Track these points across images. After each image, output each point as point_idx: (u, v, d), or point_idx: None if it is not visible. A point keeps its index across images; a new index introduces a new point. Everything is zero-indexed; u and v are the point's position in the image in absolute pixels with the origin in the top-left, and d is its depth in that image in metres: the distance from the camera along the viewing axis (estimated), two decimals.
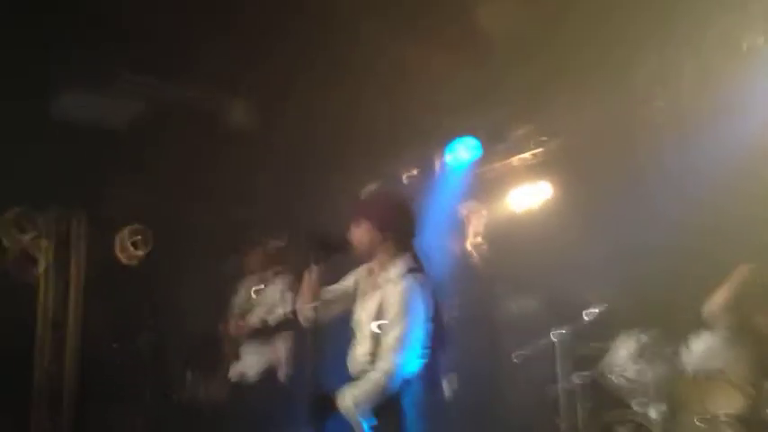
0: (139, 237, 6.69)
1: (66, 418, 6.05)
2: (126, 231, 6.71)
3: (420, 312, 3.34)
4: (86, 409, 6.20)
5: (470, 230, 5.70)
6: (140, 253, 6.65)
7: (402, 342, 3.27)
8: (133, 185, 6.83)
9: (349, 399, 3.25)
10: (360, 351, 3.40)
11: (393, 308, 3.31)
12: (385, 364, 3.25)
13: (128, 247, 6.64)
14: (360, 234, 3.49)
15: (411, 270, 3.40)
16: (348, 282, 3.64)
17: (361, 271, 3.61)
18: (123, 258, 6.60)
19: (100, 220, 6.74)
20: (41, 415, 6.02)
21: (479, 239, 5.64)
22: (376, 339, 3.35)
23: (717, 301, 4.30)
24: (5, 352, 5.78)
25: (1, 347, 5.73)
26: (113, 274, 6.63)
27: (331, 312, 3.58)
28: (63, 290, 6.41)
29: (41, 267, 6.27)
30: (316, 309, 3.41)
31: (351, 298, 3.57)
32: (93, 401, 6.23)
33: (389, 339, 3.28)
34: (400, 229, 3.51)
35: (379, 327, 3.33)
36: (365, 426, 3.25)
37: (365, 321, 3.42)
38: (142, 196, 6.87)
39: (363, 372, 3.34)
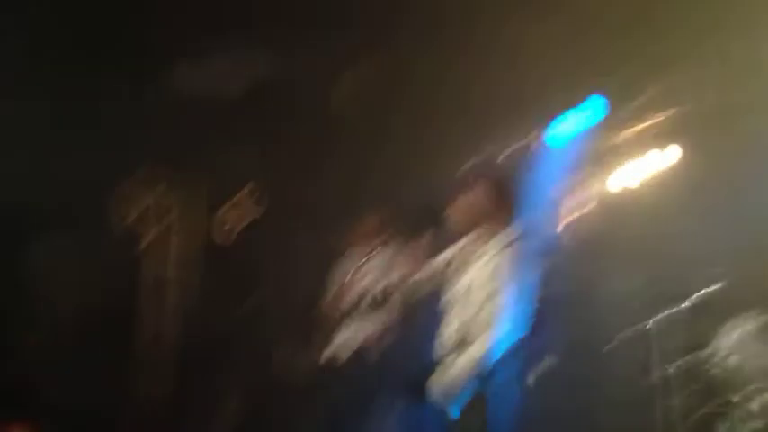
0: (244, 208, 6.82)
1: (166, 386, 6.32)
2: (232, 202, 6.86)
3: (516, 290, 3.33)
4: (186, 377, 6.46)
5: (573, 206, 5.46)
6: (245, 224, 6.78)
7: (496, 321, 3.18)
8: (242, 157, 6.95)
9: (440, 384, 3.21)
10: (452, 328, 3.35)
11: (490, 285, 3.28)
12: (477, 345, 3.18)
13: (233, 218, 6.79)
14: (465, 208, 3.43)
15: (510, 246, 3.28)
16: (444, 258, 3.60)
17: (457, 247, 3.55)
18: (228, 229, 6.76)
19: (207, 190, 6.94)
20: (143, 382, 6.31)
21: (582, 213, 5.43)
22: (469, 316, 3.23)
23: None
24: (111, 317, 6.08)
25: (106, 313, 6.02)
26: (218, 245, 6.81)
27: (429, 288, 3.54)
28: (168, 258, 6.68)
29: (149, 235, 6.54)
30: (416, 283, 3.39)
31: (445, 275, 3.53)
32: (192, 370, 6.47)
33: (484, 317, 3.20)
34: (504, 206, 3.42)
35: (474, 303, 3.25)
36: (454, 412, 3.20)
37: (461, 298, 3.36)
38: (250, 168, 6.98)
39: (454, 349, 3.29)
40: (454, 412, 3.23)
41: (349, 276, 5.75)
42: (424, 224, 3.42)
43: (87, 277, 6.09)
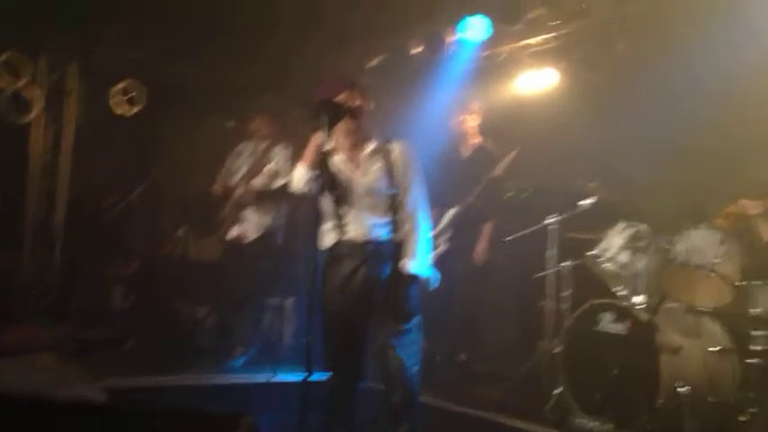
0: (134, 92, 6.54)
1: (56, 266, 6.09)
2: (121, 85, 6.55)
3: (414, 188, 3.56)
4: (76, 258, 6.25)
5: (469, 121, 5.64)
6: (135, 108, 6.52)
7: (423, 199, 3.54)
8: (131, 40, 6.59)
9: (421, 266, 3.46)
10: (374, 215, 3.46)
11: (407, 169, 3.50)
12: (418, 222, 3.49)
13: (122, 102, 6.50)
14: (366, 104, 3.49)
15: (402, 147, 3.57)
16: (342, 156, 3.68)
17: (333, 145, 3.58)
18: (118, 112, 6.47)
19: (95, 72, 6.57)
20: (33, 260, 6.06)
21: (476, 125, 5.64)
22: (392, 201, 3.48)
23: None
24: None
25: None
26: (107, 128, 6.52)
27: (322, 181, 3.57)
28: (55, 138, 6.33)
29: (34, 112, 6.15)
30: (316, 176, 3.43)
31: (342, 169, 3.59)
32: (83, 251, 6.27)
33: (413, 199, 3.50)
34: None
35: (396, 188, 3.49)
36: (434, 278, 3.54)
37: (374, 186, 3.46)
38: (140, 51, 6.65)
39: (380, 234, 3.47)
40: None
41: (251, 168, 5.71)
42: (331, 116, 3.41)
43: None
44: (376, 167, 3.50)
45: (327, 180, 3.50)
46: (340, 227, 3.52)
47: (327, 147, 3.50)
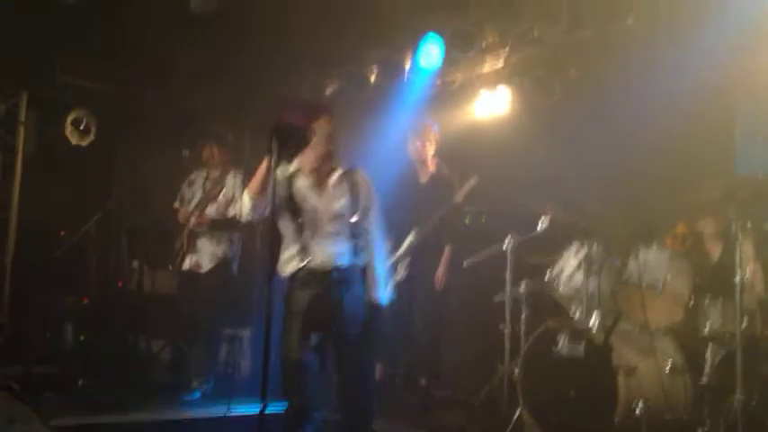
0: (87, 121, 6.47)
1: (5, 302, 5.96)
2: (74, 115, 6.48)
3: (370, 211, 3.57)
4: (29, 293, 6.12)
5: (427, 148, 5.68)
6: (88, 138, 6.45)
7: (383, 226, 3.57)
8: (84, 69, 6.54)
9: (386, 292, 3.53)
10: (338, 242, 3.44)
11: (369, 195, 3.53)
12: (380, 248, 3.56)
13: (75, 132, 6.43)
14: (328, 129, 3.44)
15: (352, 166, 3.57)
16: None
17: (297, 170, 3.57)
18: (72, 142, 6.40)
19: (47, 102, 6.50)
20: None
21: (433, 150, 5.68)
22: (354, 228, 3.45)
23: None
24: None
25: None
26: (60, 158, 6.45)
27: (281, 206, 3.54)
28: (7, 171, 6.23)
29: None
30: (264, 203, 3.39)
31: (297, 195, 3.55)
32: (36, 286, 6.15)
33: (376, 226, 3.54)
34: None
35: (359, 215, 3.47)
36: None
37: (340, 213, 3.46)
38: (93, 81, 6.59)
39: (343, 260, 3.43)
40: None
41: (204, 196, 5.67)
42: (284, 141, 3.38)
43: None
44: (342, 194, 3.49)
45: (289, 205, 3.46)
46: (303, 253, 3.44)
47: (291, 170, 3.48)
